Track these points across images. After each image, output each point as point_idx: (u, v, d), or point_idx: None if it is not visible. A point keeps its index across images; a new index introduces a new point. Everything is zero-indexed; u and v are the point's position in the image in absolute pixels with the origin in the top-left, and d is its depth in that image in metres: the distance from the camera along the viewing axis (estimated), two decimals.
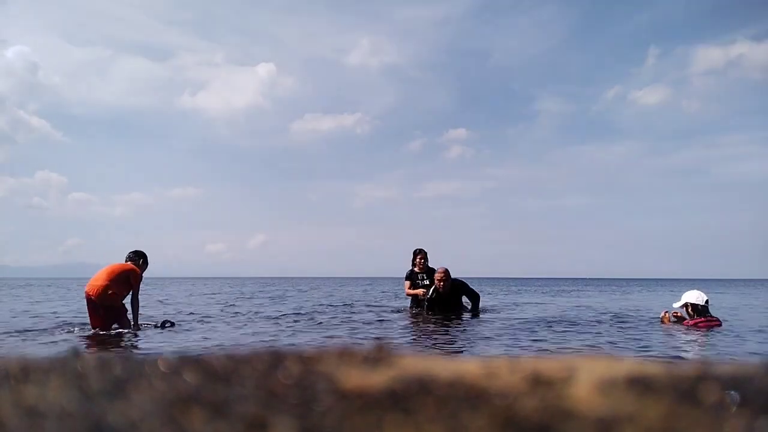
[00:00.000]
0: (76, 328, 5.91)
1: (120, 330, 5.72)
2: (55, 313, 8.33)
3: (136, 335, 5.52)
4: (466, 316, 7.17)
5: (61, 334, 5.66)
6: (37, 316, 7.72)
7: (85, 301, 5.80)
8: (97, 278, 5.78)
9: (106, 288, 5.64)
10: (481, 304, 7.82)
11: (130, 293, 5.85)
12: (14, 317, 7.73)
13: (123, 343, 5.09)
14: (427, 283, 7.71)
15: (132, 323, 5.84)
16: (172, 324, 6.25)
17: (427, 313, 7.29)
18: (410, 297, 8.06)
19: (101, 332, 5.59)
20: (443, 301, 7.26)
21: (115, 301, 5.72)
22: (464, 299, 7.65)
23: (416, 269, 7.87)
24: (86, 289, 5.75)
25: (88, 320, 5.83)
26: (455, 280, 7.38)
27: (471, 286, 7.53)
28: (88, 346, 4.94)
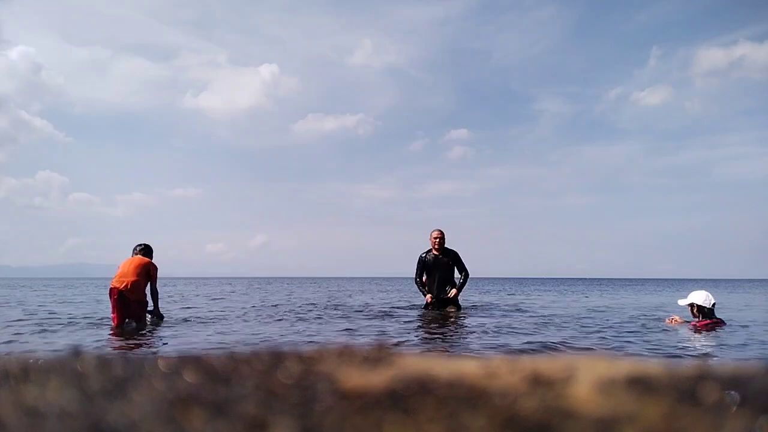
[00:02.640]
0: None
1: (140, 326, 5.91)
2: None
3: (153, 331, 5.69)
4: (456, 313, 7.20)
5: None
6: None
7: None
8: (125, 273, 6.00)
9: (137, 282, 5.93)
10: (482, 303, 7.91)
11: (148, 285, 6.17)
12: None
13: (147, 340, 5.20)
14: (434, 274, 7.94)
15: (154, 313, 6.21)
16: (161, 317, 6.39)
17: (420, 277, 7.99)
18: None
19: (128, 328, 5.78)
20: (435, 262, 7.87)
21: (143, 295, 6.04)
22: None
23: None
24: (114, 284, 5.93)
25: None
26: (450, 249, 8.01)
27: (463, 262, 7.99)
28: (118, 344, 5.05)
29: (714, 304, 6.09)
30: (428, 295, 7.91)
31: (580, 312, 8.79)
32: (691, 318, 6.16)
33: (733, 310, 9.44)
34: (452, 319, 6.92)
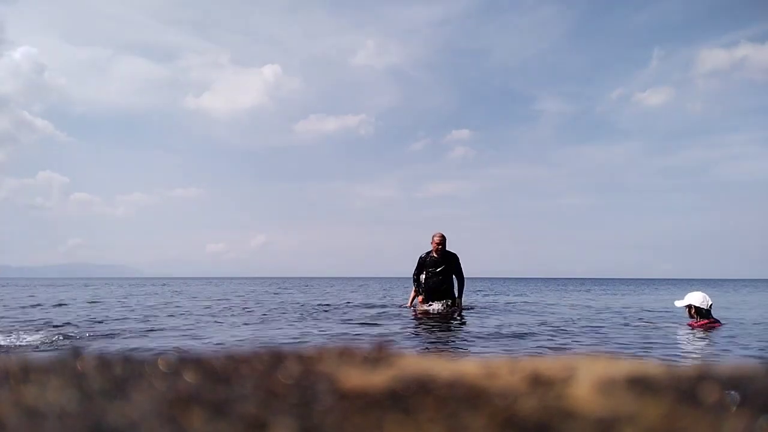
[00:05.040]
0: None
1: None
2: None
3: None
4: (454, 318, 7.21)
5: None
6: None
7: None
8: None
9: None
10: (483, 303, 7.96)
11: None
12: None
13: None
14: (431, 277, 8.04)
15: None
16: None
17: (420, 274, 8.06)
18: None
19: None
20: (434, 264, 7.98)
21: None
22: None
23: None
24: None
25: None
26: (451, 252, 8.12)
27: (461, 267, 8.10)
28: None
29: (711, 305, 6.09)
30: (419, 297, 8.07)
31: (579, 312, 8.79)
32: (687, 317, 6.16)
33: (732, 311, 9.45)
34: (451, 319, 6.92)
